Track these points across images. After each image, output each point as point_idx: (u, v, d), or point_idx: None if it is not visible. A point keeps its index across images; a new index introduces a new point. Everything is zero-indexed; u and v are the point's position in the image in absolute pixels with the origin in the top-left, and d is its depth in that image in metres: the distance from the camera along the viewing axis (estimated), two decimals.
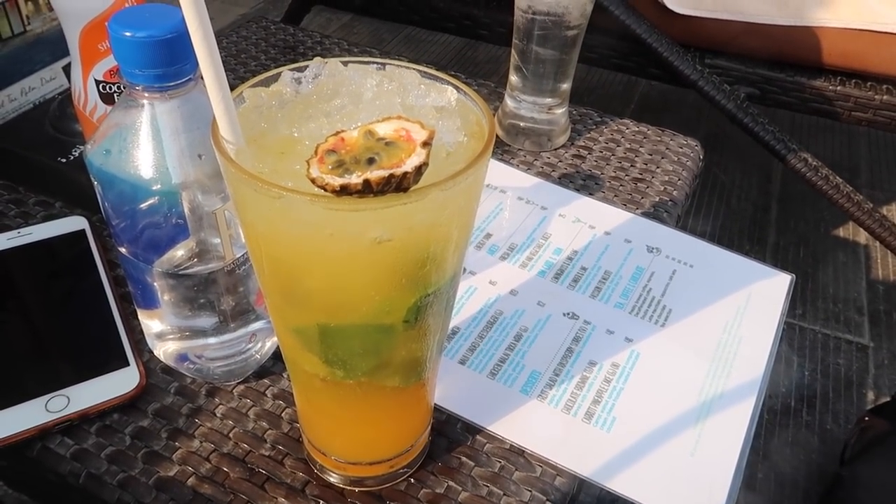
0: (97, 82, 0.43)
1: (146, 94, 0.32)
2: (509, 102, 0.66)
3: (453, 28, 1.15)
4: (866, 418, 0.89)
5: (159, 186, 0.33)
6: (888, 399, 1.03)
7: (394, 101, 0.27)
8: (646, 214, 0.59)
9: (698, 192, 1.48)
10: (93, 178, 0.35)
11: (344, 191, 0.22)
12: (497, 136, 0.67)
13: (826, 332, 1.18)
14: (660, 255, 0.54)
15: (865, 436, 0.86)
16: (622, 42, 1.07)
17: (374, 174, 0.22)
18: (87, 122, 0.45)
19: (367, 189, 0.22)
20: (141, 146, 0.33)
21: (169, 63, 0.32)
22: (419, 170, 0.23)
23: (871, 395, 1.09)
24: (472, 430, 0.41)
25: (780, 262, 1.32)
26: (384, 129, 0.24)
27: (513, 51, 0.63)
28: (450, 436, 0.41)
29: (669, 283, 0.52)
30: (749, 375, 0.45)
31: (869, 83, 1.00)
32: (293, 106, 0.28)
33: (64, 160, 0.53)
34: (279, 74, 0.29)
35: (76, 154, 0.54)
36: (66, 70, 0.60)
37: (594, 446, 0.40)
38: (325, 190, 0.23)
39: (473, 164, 0.25)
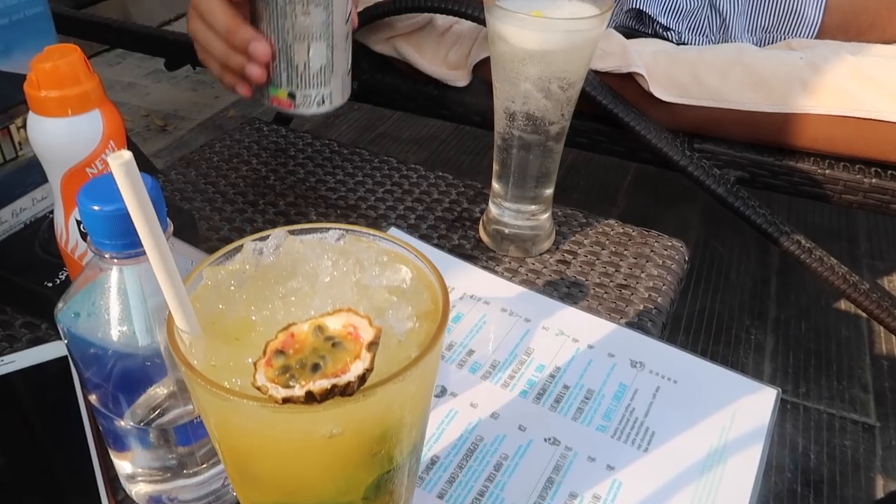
0: (78, 222, 0.44)
1: (115, 260, 0.33)
2: (493, 209, 0.67)
3: (447, 114, 1.18)
4: None
5: (126, 349, 0.34)
6: None
7: (347, 283, 0.28)
8: (630, 324, 0.58)
9: (697, 266, 1.48)
10: (63, 336, 0.35)
11: (287, 401, 0.22)
12: (483, 241, 0.67)
13: (831, 411, 1.16)
14: (643, 370, 0.54)
15: None
16: (611, 128, 1.09)
17: (317, 385, 0.22)
18: (69, 258, 0.46)
19: (311, 399, 0.22)
20: (108, 309, 0.34)
21: (135, 233, 0.32)
22: (362, 378, 0.23)
23: (880, 480, 1.06)
24: None
25: (780, 338, 1.31)
26: (333, 325, 0.24)
27: (494, 159, 0.65)
28: None
29: (653, 402, 0.51)
30: (735, 501, 0.44)
31: (857, 166, 1.01)
32: (251, 285, 0.28)
33: (51, 284, 0.54)
34: (241, 246, 0.30)
35: (63, 277, 0.55)
36: None
37: None
38: (269, 399, 0.23)
39: (421, 358, 0.25)
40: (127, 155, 0.23)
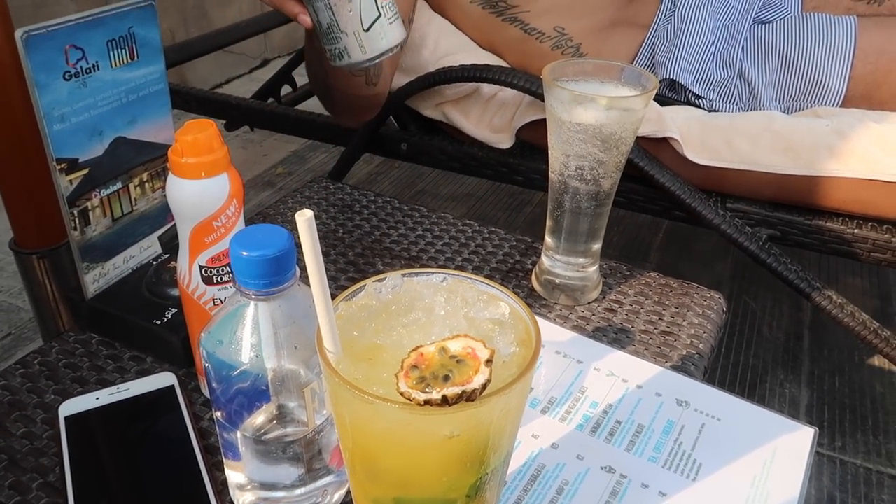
0: (201, 267, 0.52)
1: (254, 297, 0.40)
2: (545, 261, 0.73)
3: (490, 174, 1.26)
4: None
5: (256, 369, 0.40)
6: None
7: (459, 315, 0.34)
8: (674, 368, 0.64)
9: (729, 321, 1.52)
10: (203, 360, 0.42)
11: (426, 404, 0.29)
12: (535, 290, 0.74)
13: (868, 465, 1.18)
14: (689, 408, 0.59)
15: None
16: (647, 188, 1.15)
17: (450, 391, 0.29)
18: (188, 298, 0.53)
19: (445, 402, 0.29)
20: (245, 337, 0.40)
21: (275, 274, 0.39)
22: (485, 386, 0.29)
23: None
24: None
25: (815, 393, 1.33)
26: (454, 347, 0.31)
27: (548, 216, 0.71)
28: None
29: (699, 437, 0.56)
30: None
31: (885, 226, 1.06)
32: (377, 315, 0.35)
33: (158, 322, 0.61)
34: (364, 286, 0.37)
35: (168, 316, 0.62)
36: (161, 238, 0.70)
37: None
38: (410, 401, 0.29)
39: (525, 373, 0.31)
40: (309, 213, 0.30)
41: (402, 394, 0.29)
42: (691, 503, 0.50)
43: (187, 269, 0.52)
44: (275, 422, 0.45)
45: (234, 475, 0.48)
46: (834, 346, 1.45)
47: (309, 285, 0.39)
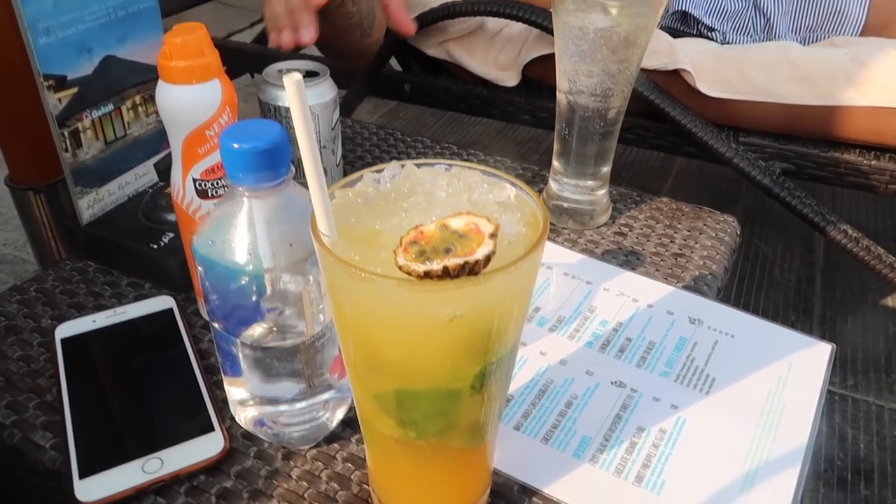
0: (194, 180, 0.50)
1: (247, 193, 0.38)
2: (553, 185, 0.71)
3: (496, 114, 1.23)
4: None
5: (252, 269, 0.39)
6: None
7: (461, 198, 0.32)
8: (686, 288, 0.62)
9: (740, 263, 1.50)
10: (197, 263, 0.41)
11: (426, 276, 0.27)
12: None
13: (880, 402, 1.17)
14: (702, 326, 0.57)
15: None
16: (657, 123, 1.12)
17: (452, 262, 0.27)
18: (183, 214, 0.51)
19: (446, 274, 0.27)
20: (239, 236, 0.39)
21: (268, 168, 0.37)
22: (488, 258, 0.27)
23: None
24: (529, 492, 0.44)
25: (827, 334, 1.32)
26: (456, 224, 0.29)
27: (555, 139, 0.69)
28: (508, 497, 0.44)
29: (712, 353, 0.54)
30: (794, 441, 0.47)
31: None
32: (376, 202, 0.33)
33: (155, 246, 0.60)
34: (362, 176, 0.35)
35: (165, 241, 0.60)
36: (157, 166, 0.68)
37: None
38: (410, 275, 0.27)
39: (532, 251, 0.29)
40: (298, 76, 0.28)
41: (400, 268, 0.27)
42: (705, 416, 0.49)
43: (181, 183, 0.50)
44: (274, 331, 0.44)
45: (235, 391, 0.47)
46: (847, 288, 1.43)
47: (304, 184, 0.37)
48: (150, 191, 0.66)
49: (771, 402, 0.50)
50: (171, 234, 0.61)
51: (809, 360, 0.54)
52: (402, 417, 0.34)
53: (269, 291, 0.40)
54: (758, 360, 0.54)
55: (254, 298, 0.40)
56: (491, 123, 2.09)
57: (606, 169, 0.69)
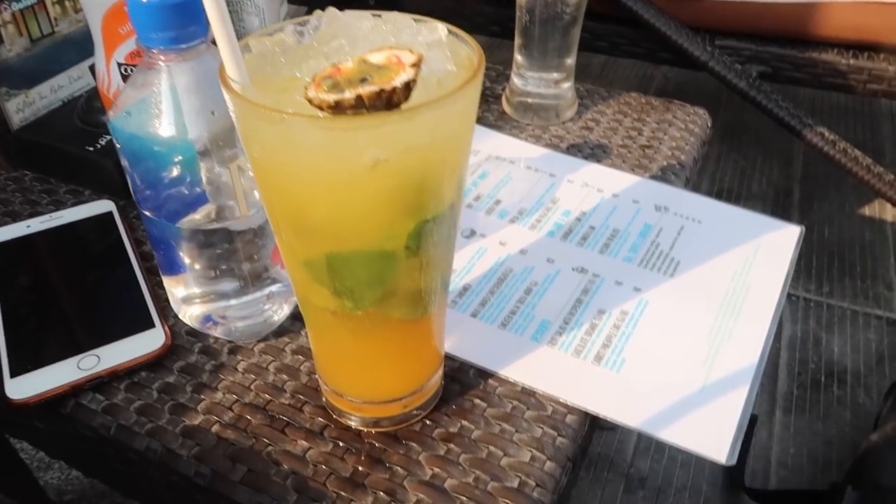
0: (119, 65, 0.46)
1: (162, 57, 0.35)
2: (516, 81, 0.67)
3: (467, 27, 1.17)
4: None
5: (176, 142, 0.36)
6: None
7: (388, 41, 0.29)
8: (654, 178, 0.60)
9: (718, 176, 1.48)
10: (115, 141, 0.37)
11: (338, 107, 0.24)
12: (506, 112, 0.68)
13: (855, 308, 1.17)
14: (668, 212, 0.55)
15: None
16: (631, 29, 1.08)
17: (366, 89, 0.24)
18: (110, 102, 0.48)
19: (360, 104, 0.24)
20: (158, 106, 0.35)
21: (182, 25, 0.34)
22: (408, 85, 0.24)
23: None
24: (485, 375, 0.42)
25: (805, 243, 1.31)
26: (377, 58, 0.26)
27: (517, 31, 0.65)
28: (462, 381, 0.42)
29: (678, 238, 0.52)
30: (758, 318, 0.46)
31: (882, 55, 1.00)
32: (295, 51, 0.30)
33: (91, 149, 0.56)
34: (283, 27, 0.31)
35: (102, 143, 0.57)
36: (92, 69, 0.63)
37: (604, 385, 0.41)
38: (321, 108, 0.24)
39: (464, 86, 0.26)
40: None
41: (311, 101, 0.24)
42: (668, 297, 0.47)
43: (105, 69, 0.46)
44: (209, 215, 0.41)
45: (176, 290, 0.45)
46: (824, 199, 1.42)
47: None
48: (86, 94, 0.62)
49: (736, 283, 0.49)
50: (109, 137, 0.57)
51: (777, 242, 0.52)
52: (335, 285, 0.31)
53: (196, 167, 0.37)
54: (724, 244, 0.52)
55: (180, 174, 0.37)
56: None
57: (571, 61, 0.66)
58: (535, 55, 0.65)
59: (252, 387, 0.42)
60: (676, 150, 0.63)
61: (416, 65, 0.25)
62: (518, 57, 0.66)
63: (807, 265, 1.26)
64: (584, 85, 0.72)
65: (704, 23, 1.06)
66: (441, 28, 0.30)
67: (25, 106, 0.59)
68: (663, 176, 0.60)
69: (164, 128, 0.36)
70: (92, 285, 0.48)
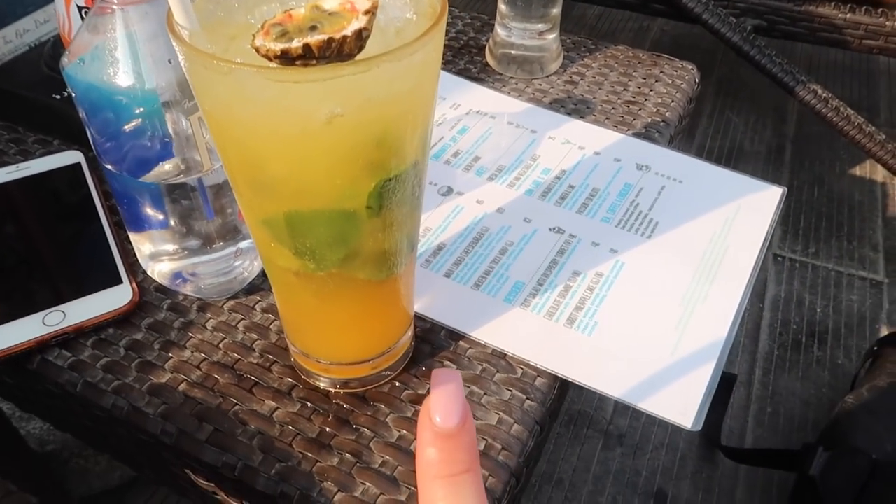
0: (80, 8, 0.44)
1: (115, 3, 0.33)
2: (500, 31, 0.65)
3: None
4: (875, 348, 0.88)
5: (134, 92, 0.34)
6: None
7: None
8: (637, 135, 0.58)
9: (710, 134, 1.46)
10: (71, 91, 0.36)
11: (285, 56, 0.23)
12: (489, 64, 0.66)
13: (839, 269, 1.17)
14: (649, 171, 0.54)
15: (875, 364, 0.86)
16: None
17: (314, 38, 0.22)
18: None
19: (309, 54, 0.23)
20: (114, 53, 0.34)
21: None
22: (359, 34, 0.23)
23: (884, 330, 1.08)
24: (455, 336, 0.42)
25: (793, 203, 1.30)
26: (330, 4, 0.25)
27: None
28: (433, 342, 0.42)
29: (658, 198, 0.51)
30: (733, 282, 0.45)
31: (880, 9, 0.97)
32: None
33: (58, 97, 0.54)
34: None
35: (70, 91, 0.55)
36: None
37: (575, 349, 0.41)
38: (268, 58, 0.23)
39: (423, 36, 0.25)
40: None
41: (257, 50, 0.23)
42: (644, 259, 0.47)
43: (65, 13, 0.44)
44: (170, 168, 0.40)
45: (143, 246, 0.44)
46: (816, 157, 1.41)
47: None
48: (53, 39, 0.60)
49: (713, 245, 0.48)
50: None
51: (758, 202, 0.51)
52: (296, 245, 0.31)
53: (157, 117, 0.35)
54: (705, 204, 0.51)
55: (141, 125, 0.36)
56: None
57: (556, 10, 0.63)
58: (520, 3, 0.62)
59: (221, 345, 0.41)
60: (662, 106, 0.62)
61: (371, 12, 0.24)
62: (501, 6, 0.64)
63: (794, 225, 1.25)
64: (572, 37, 0.70)
65: None
66: None
67: None
68: (647, 133, 0.59)
69: (121, 77, 0.34)
70: (58, 240, 0.47)
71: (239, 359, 0.41)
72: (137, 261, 0.45)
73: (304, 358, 0.39)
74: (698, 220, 0.50)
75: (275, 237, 0.31)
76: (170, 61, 0.34)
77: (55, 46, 0.58)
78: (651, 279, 0.45)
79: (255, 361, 0.41)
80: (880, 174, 1.35)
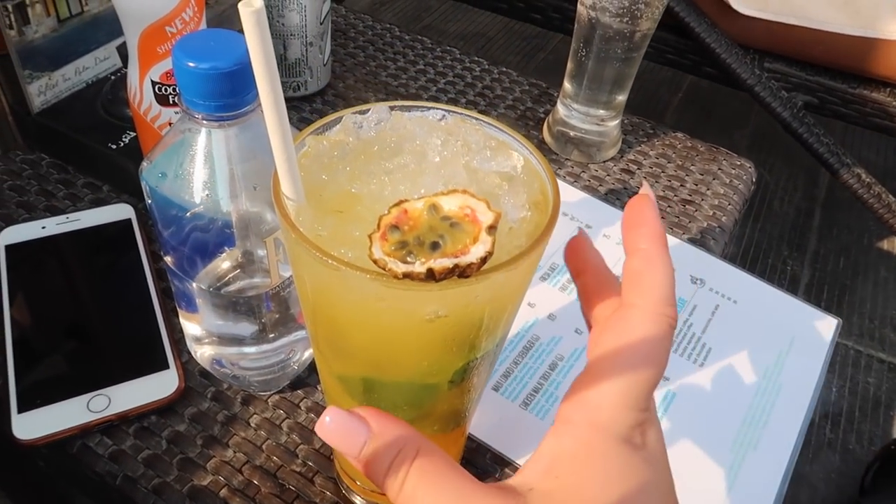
0: (153, 83, 0.43)
1: (205, 122, 0.32)
2: (561, 109, 0.64)
3: (505, 9, 1.12)
4: (893, 447, 0.88)
5: (210, 214, 0.33)
6: None
7: (458, 164, 0.27)
8: (692, 241, 0.57)
9: None
10: (146, 195, 0.35)
11: (406, 277, 0.22)
12: (545, 142, 0.65)
13: (859, 348, 1.16)
14: (703, 287, 0.53)
15: (890, 465, 0.85)
16: (678, 38, 1.03)
17: (439, 264, 0.22)
18: (142, 120, 0.45)
19: (430, 277, 0.22)
20: (195, 172, 0.33)
21: (230, 95, 0.31)
22: (484, 260, 0.22)
23: None
24: (501, 461, 0.41)
25: (818, 272, 1.29)
26: (449, 205, 0.24)
27: (570, 57, 0.62)
28: (478, 465, 0.41)
29: (711, 319, 0.51)
30: (786, 425, 0.45)
31: None
32: (354, 157, 0.28)
33: (114, 146, 0.54)
34: (341, 119, 0.29)
35: (126, 140, 0.54)
36: (121, 50, 0.60)
37: None
38: (386, 272, 0.22)
39: (535, 247, 0.24)
40: (258, 3, 0.21)
41: (375, 261, 0.22)
42: (696, 393, 0.46)
43: (138, 85, 0.44)
44: (238, 271, 0.39)
45: (190, 326, 0.43)
46: (844, 226, 1.39)
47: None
48: (112, 79, 0.59)
49: (767, 382, 0.47)
50: (134, 133, 0.55)
51: (814, 333, 0.51)
52: (368, 403, 0.30)
53: (229, 237, 0.35)
54: (759, 332, 0.50)
55: (211, 243, 0.35)
56: (496, 16, 1.95)
57: (622, 98, 0.62)
58: (585, 88, 0.61)
59: (264, 447, 0.41)
60: (718, 209, 0.61)
61: (494, 227, 0.23)
62: (567, 85, 0.63)
63: (816, 297, 1.24)
64: (630, 118, 0.69)
65: (755, 42, 1.02)
66: (516, 158, 0.27)
67: (48, 88, 0.56)
68: (702, 240, 0.58)
69: (197, 196, 0.33)
70: (106, 309, 0.46)
71: (282, 465, 0.40)
72: (183, 338, 0.45)
73: (349, 479, 0.38)
74: (752, 351, 0.49)
75: (347, 392, 0.30)
76: (255, 188, 0.33)
77: (114, 89, 0.57)
78: (702, 416, 0.45)
79: (297, 470, 0.40)
80: None
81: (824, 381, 1.00)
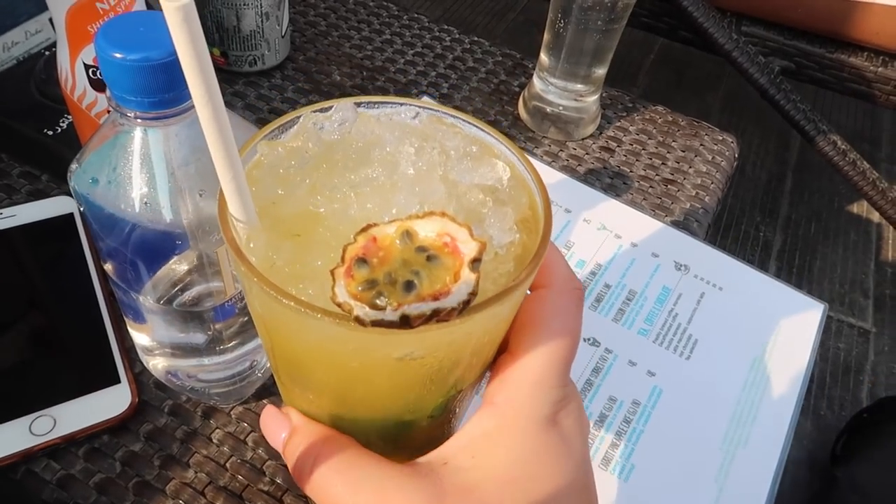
0: (86, 66, 0.38)
1: (139, 121, 0.28)
2: (537, 83, 0.61)
3: None
4: (864, 415, 0.89)
5: (151, 224, 0.29)
6: (886, 396, 1.02)
7: (434, 176, 0.23)
8: (675, 223, 0.55)
9: None
10: (77, 202, 0.31)
11: (377, 325, 0.19)
12: (520, 118, 0.62)
13: (830, 314, 1.17)
14: (688, 273, 0.51)
15: (860, 434, 0.86)
16: (654, 1, 0.99)
17: (415, 310, 0.18)
18: (75, 107, 0.40)
19: (405, 325, 0.19)
20: (131, 177, 0.29)
21: (167, 89, 0.27)
22: (468, 303, 0.19)
23: (868, 383, 1.08)
24: None
25: (790, 237, 1.29)
26: (425, 231, 0.20)
27: (547, 28, 0.58)
28: None
29: (697, 308, 0.49)
30: (775, 421, 0.43)
31: None
32: (315, 167, 0.24)
33: (50, 132, 0.49)
34: (298, 118, 0.25)
35: (64, 126, 0.49)
36: (52, 22, 0.54)
37: (609, 496, 0.38)
38: (352, 320, 0.19)
39: (527, 276, 0.21)
40: (184, 1, 0.17)
41: (339, 305, 0.19)
42: (683, 386, 0.44)
43: (69, 69, 0.39)
44: (191, 277, 0.35)
45: (140, 337, 0.39)
46: (815, 190, 1.39)
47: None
48: (46, 55, 0.53)
49: (755, 374, 0.45)
50: (71, 119, 0.50)
51: (800, 321, 0.49)
52: (340, 431, 0.27)
53: (168, 246, 0.31)
54: (745, 321, 0.48)
55: (152, 255, 0.31)
56: None
57: (602, 72, 0.59)
58: (563, 61, 0.58)
59: (228, 465, 0.38)
60: (701, 188, 0.58)
61: (478, 260, 0.20)
62: (543, 57, 0.59)
63: (789, 262, 1.24)
64: (609, 91, 0.66)
65: (734, 4, 0.98)
66: (500, 168, 0.24)
67: None
68: (685, 223, 0.55)
69: (136, 205, 0.29)
70: (48, 317, 0.42)
71: (248, 484, 0.37)
72: (134, 347, 0.41)
73: None
74: (739, 342, 0.47)
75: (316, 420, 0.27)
76: (201, 194, 0.29)
77: (48, 66, 0.52)
78: (689, 414, 0.43)
79: (265, 489, 0.37)
80: (877, 215, 1.35)
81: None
